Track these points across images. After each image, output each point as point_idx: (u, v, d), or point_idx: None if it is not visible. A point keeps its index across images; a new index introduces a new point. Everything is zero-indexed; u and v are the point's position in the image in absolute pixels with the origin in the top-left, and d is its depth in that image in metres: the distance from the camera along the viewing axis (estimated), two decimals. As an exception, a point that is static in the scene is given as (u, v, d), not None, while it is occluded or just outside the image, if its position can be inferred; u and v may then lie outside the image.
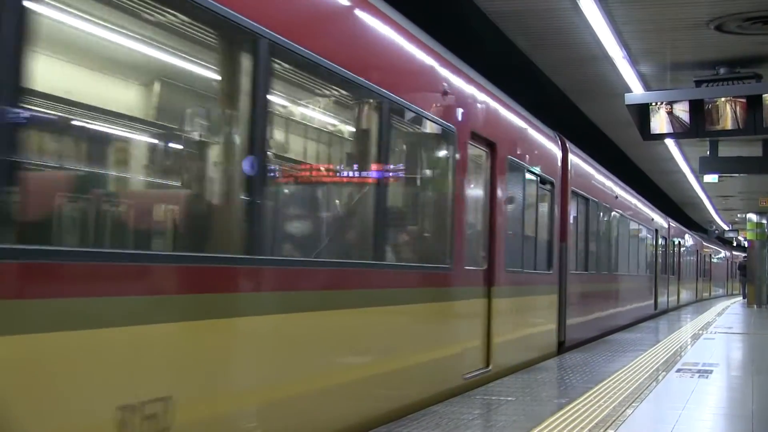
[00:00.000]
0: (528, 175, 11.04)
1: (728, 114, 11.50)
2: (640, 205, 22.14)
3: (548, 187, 12.31)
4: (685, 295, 33.78)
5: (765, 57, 11.94)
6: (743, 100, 11.46)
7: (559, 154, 13.01)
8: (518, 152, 10.47)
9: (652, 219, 24.49)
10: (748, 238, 33.81)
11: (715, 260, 48.49)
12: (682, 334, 16.91)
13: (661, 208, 27.60)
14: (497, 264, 9.40)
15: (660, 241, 25.98)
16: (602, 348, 13.15)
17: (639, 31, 11.00)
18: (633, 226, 20.68)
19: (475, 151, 8.99)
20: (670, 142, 18.33)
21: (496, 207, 9.49)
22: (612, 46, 11.41)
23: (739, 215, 38.55)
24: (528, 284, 11.07)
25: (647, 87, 13.55)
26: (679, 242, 31.46)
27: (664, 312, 26.33)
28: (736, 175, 21.20)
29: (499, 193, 9.59)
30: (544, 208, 12.23)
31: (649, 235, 23.82)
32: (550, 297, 12.36)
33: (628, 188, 20.23)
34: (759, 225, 31.93)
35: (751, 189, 27.90)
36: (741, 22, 10.44)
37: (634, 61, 12.26)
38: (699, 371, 10.31)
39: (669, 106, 11.87)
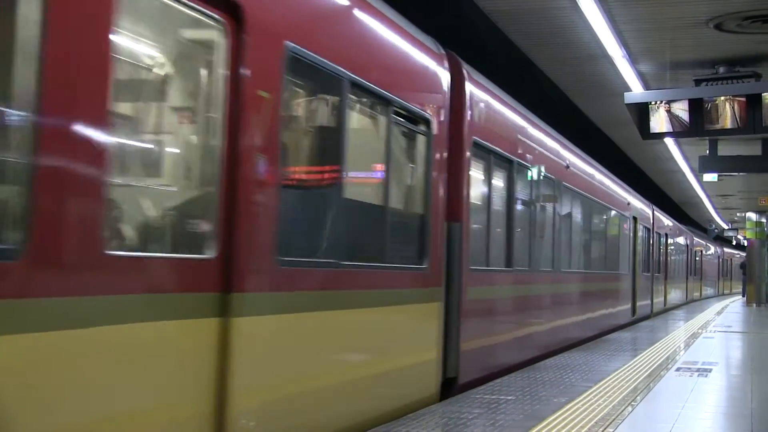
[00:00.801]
0: (356, 94, 6.28)
1: (728, 113, 11.51)
2: (609, 183, 17.36)
3: (421, 128, 7.44)
4: (674, 296, 29.65)
5: (764, 56, 11.95)
6: (743, 99, 11.48)
7: (443, 77, 8.08)
8: (324, 44, 5.72)
9: (629, 204, 19.60)
10: (747, 237, 33.85)
11: (706, 257, 44.38)
12: (682, 333, 16.91)
13: (661, 207, 27.39)
14: (247, 249, 4.79)
15: (641, 232, 21.36)
16: (602, 347, 13.15)
17: (638, 30, 11.01)
18: (597, 209, 16.00)
19: (166, 7, 4.38)
20: (669, 142, 18.35)
21: (246, 138, 4.79)
22: (611, 45, 11.42)
23: (738, 214, 38.58)
24: (354, 287, 6.25)
25: (647, 86, 13.56)
26: (667, 235, 27.18)
27: (646, 318, 21.91)
28: (736, 174, 21.22)
29: (254, 109, 4.87)
30: (407, 160, 7.54)
31: (624, 224, 18.96)
32: (423, 308, 7.48)
33: (590, 160, 15.62)
34: (758, 224, 31.96)
35: (750, 188, 27.93)
36: (740, 21, 10.45)
37: (633, 60, 12.27)
38: (698, 370, 10.32)
39: (668, 105, 11.88)
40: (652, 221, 23.48)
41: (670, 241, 28.06)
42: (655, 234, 23.97)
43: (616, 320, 17.86)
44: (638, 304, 20.69)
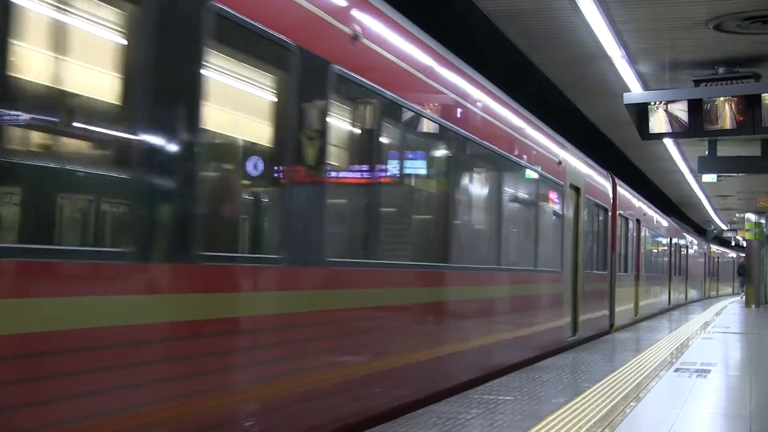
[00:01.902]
0: None
1: (727, 113, 11.51)
2: (513, 120, 10.60)
3: None
4: (652, 302, 23.45)
5: (764, 56, 11.94)
6: (742, 100, 11.47)
7: None
8: None
9: (560, 163, 12.76)
10: (746, 237, 33.84)
11: (693, 254, 37.50)
12: (681, 333, 16.90)
13: (661, 208, 27.19)
14: None
15: (589, 211, 14.93)
16: (601, 347, 13.14)
17: (638, 31, 11.00)
18: (480, 158, 9.57)
19: None
20: (668, 142, 18.34)
21: None
22: (611, 46, 11.41)
23: (737, 215, 38.58)
24: None
25: (646, 86, 13.55)
26: (639, 222, 20.82)
27: (603, 334, 15.85)
28: (735, 174, 21.20)
29: None
30: None
31: (550, 195, 12.38)
32: None
33: (471, 74, 9.17)
34: (757, 225, 31.95)
35: (749, 189, 27.91)
36: (740, 21, 10.44)
37: (632, 60, 12.26)
38: (697, 371, 10.31)
39: (667, 106, 11.88)
40: (612, 199, 17.21)
41: (644, 230, 21.81)
42: (618, 218, 17.74)
43: (536, 345, 11.49)
44: (583, 317, 14.13)
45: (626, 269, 19.11)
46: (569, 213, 13.46)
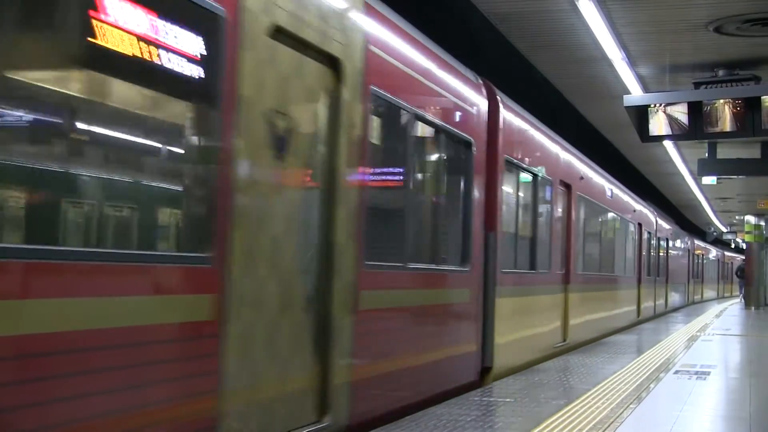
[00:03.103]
0: None
1: (727, 116, 11.52)
2: None
3: None
4: (596, 317, 15.41)
5: (763, 59, 11.96)
6: (742, 102, 11.48)
7: None
8: None
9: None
10: (746, 240, 33.86)
11: (673, 250, 29.30)
12: (681, 336, 16.90)
13: (661, 209, 27.12)
14: None
15: (384, 128, 6.72)
16: (600, 350, 13.13)
17: (638, 33, 11.01)
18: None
19: None
20: (668, 144, 18.35)
21: None
22: (611, 48, 11.42)
23: (737, 217, 38.60)
24: None
25: (646, 89, 13.56)
26: (568, 187, 13.18)
27: (434, 402, 7.43)
28: (735, 177, 21.21)
29: None
30: None
31: (164, 55, 4.08)
32: None
33: None
34: (757, 227, 31.96)
35: (749, 191, 27.93)
36: (740, 24, 10.45)
37: (633, 62, 12.27)
38: (697, 373, 10.31)
39: (667, 108, 11.88)
40: (486, 127, 9.22)
41: (583, 204, 14.31)
42: (505, 168, 9.84)
43: None
44: (362, 374, 6.15)
45: (536, 265, 11.29)
46: (291, 115, 5.27)
